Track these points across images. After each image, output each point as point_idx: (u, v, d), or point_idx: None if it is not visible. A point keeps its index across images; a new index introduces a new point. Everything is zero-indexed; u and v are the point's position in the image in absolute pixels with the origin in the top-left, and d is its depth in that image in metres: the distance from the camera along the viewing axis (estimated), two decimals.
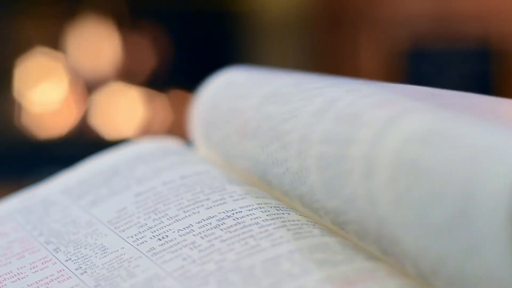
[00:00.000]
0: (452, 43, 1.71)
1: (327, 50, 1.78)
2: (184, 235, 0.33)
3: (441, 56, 1.71)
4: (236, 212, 0.34)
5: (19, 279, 0.34)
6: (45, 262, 0.35)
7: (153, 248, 0.33)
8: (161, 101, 1.74)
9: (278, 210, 0.34)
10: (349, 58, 1.77)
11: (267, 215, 0.33)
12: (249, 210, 0.34)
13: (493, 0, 1.68)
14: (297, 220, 0.33)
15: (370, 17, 1.75)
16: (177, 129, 1.69)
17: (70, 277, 0.33)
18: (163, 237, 0.34)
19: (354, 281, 0.28)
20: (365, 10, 1.76)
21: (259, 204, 0.35)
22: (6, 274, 0.34)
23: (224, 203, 0.35)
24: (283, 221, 0.33)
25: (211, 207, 0.35)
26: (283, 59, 1.75)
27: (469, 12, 1.69)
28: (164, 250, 0.33)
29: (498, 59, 1.69)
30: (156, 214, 0.36)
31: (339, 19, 1.77)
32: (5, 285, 0.34)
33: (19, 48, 1.72)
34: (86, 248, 0.35)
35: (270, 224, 0.33)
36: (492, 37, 1.69)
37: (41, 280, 0.33)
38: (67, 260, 0.34)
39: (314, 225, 0.33)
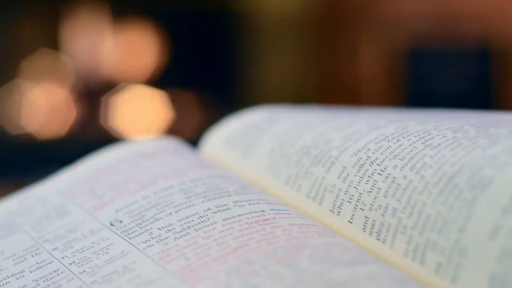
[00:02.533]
0: (452, 43, 1.71)
1: (327, 50, 1.78)
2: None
3: (441, 56, 1.71)
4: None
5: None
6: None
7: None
8: (160, 100, 1.74)
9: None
10: (349, 58, 1.77)
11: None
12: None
13: (493, 0, 1.68)
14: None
15: (370, 17, 1.75)
16: (176, 128, 1.69)
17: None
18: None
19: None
20: (365, 10, 1.76)
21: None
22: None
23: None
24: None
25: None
26: (283, 59, 1.75)
27: (469, 12, 1.69)
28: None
29: (498, 59, 1.69)
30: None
31: (339, 19, 1.77)
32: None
33: (21, 49, 1.71)
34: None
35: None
36: (492, 37, 1.69)
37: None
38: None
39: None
